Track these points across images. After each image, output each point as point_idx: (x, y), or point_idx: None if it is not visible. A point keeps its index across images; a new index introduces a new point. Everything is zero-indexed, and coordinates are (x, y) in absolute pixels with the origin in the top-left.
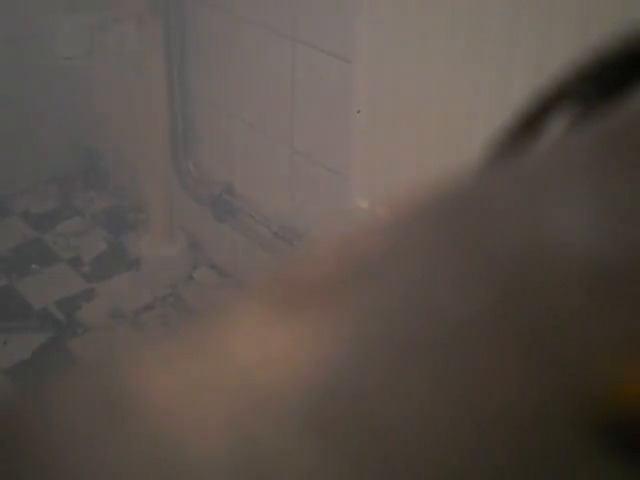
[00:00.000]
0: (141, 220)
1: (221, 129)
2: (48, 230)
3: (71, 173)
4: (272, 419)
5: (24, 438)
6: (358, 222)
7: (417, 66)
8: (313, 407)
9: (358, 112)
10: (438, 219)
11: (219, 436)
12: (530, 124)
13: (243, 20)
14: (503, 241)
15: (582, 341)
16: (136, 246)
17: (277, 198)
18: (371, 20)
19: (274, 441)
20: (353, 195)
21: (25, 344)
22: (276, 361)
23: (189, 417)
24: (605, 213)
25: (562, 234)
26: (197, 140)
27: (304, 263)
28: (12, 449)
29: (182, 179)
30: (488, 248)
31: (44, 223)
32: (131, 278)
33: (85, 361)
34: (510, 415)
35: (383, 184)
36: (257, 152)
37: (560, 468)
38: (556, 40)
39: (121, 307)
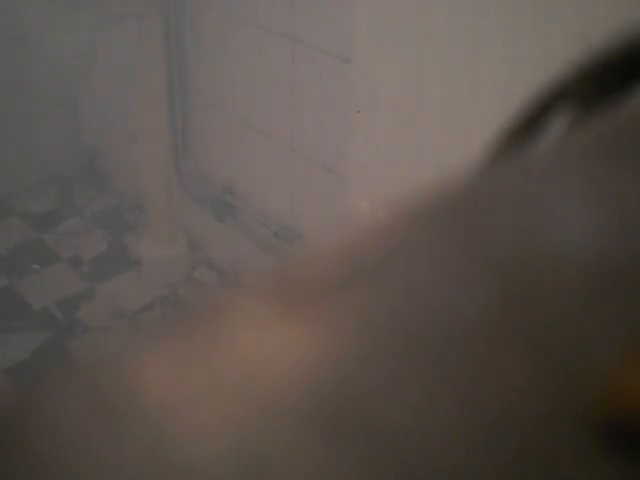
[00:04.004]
0: (141, 220)
1: (221, 129)
2: (48, 230)
3: (71, 173)
4: (273, 419)
5: (24, 438)
6: (358, 223)
7: (417, 66)
8: (314, 407)
9: (358, 112)
10: (438, 219)
11: (220, 436)
12: (530, 124)
13: (243, 20)
14: (504, 241)
15: (583, 341)
16: (136, 246)
17: (277, 198)
18: (371, 20)
19: (275, 441)
20: (353, 195)
21: (25, 344)
22: (277, 361)
23: (189, 417)
24: (605, 213)
25: (562, 234)
26: (197, 140)
27: (304, 263)
28: (12, 449)
29: (182, 179)
30: (489, 248)
31: (44, 223)
32: (131, 278)
33: (85, 361)
34: (512, 415)
35: (383, 184)
36: (257, 152)
37: (561, 468)
38: (556, 40)
39: (121, 307)
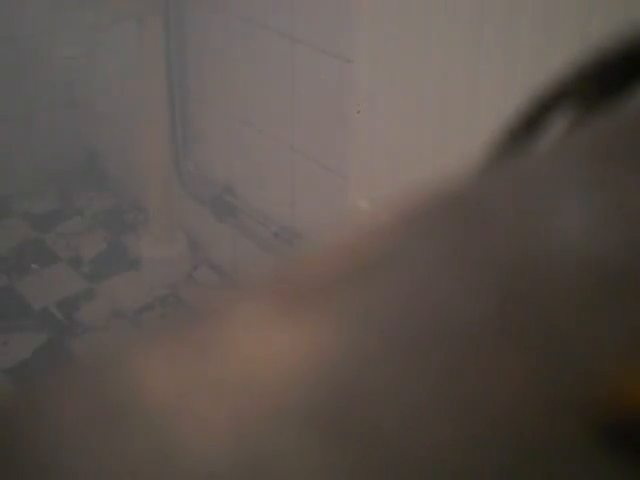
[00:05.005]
0: (141, 220)
1: (221, 129)
2: (48, 230)
3: (71, 173)
4: (272, 418)
5: (24, 438)
6: (358, 222)
7: (417, 66)
8: (313, 406)
9: (358, 112)
10: (438, 219)
11: (219, 435)
12: (530, 124)
13: (243, 20)
14: (504, 241)
15: (584, 341)
16: (136, 246)
17: (277, 198)
18: (371, 20)
19: (274, 440)
20: (353, 195)
21: (25, 344)
22: (276, 360)
23: (189, 416)
24: (605, 213)
25: (562, 234)
26: (197, 140)
27: (304, 263)
28: (12, 449)
29: (182, 179)
30: (489, 249)
31: (44, 223)
32: (131, 278)
33: (85, 361)
34: (512, 415)
35: (383, 184)
36: (257, 152)
37: (562, 468)
38: (556, 40)
39: (121, 307)
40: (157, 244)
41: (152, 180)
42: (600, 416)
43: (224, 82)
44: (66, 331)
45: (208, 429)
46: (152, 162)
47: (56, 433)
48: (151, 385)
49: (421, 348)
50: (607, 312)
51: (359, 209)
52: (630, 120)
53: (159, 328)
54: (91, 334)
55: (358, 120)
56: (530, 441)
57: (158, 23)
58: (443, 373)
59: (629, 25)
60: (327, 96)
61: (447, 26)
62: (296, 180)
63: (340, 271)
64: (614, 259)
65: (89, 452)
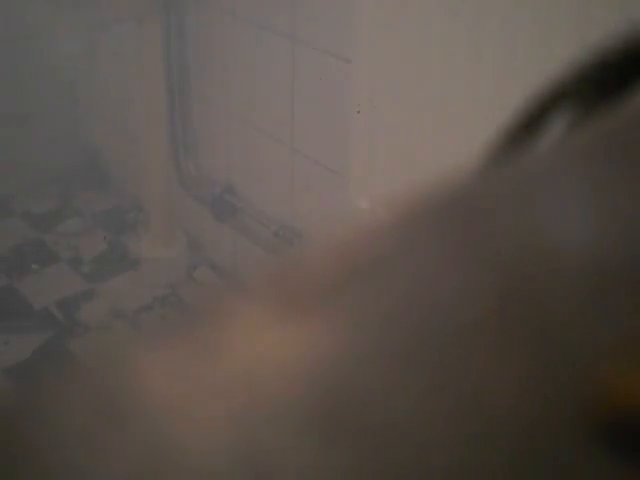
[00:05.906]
0: (141, 220)
1: (221, 129)
2: (48, 230)
3: (71, 173)
4: (271, 418)
5: (24, 438)
6: (358, 222)
7: (417, 66)
8: (312, 406)
9: (358, 112)
10: (438, 219)
11: (219, 435)
12: (530, 124)
13: (243, 20)
14: (503, 241)
15: (583, 341)
16: (136, 246)
17: (277, 198)
18: (371, 20)
19: (273, 440)
20: (353, 195)
21: (25, 344)
22: (275, 361)
23: (189, 417)
24: (604, 213)
25: (562, 234)
26: (197, 140)
27: (304, 263)
28: (12, 449)
29: (182, 179)
30: (488, 248)
31: (44, 223)
32: (131, 278)
33: (85, 361)
34: (510, 414)
35: (383, 184)
36: (257, 152)
37: (561, 468)
38: (556, 40)
39: (121, 307)
40: (157, 244)
41: (152, 180)
42: (599, 415)
43: (224, 82)
44: (66, 331)
45: (207, 430)
46: (152, 162)
47: (56, 433)
48: (151, 385)
49: (419, 348)
50: (606, 312)
51: (359, 209)
52: (629, 121)
53: (159, 328)
54: (91, 334)
55: (358, 120)
56: (528, 441)
57: (158, 23)
58: (440, 372)
59: (629, 25)
60: (327, 96)
61: (447, 26)
62: (296, 180)
63: (339, 271)
64: (613, 259)
65: (89, 452)
